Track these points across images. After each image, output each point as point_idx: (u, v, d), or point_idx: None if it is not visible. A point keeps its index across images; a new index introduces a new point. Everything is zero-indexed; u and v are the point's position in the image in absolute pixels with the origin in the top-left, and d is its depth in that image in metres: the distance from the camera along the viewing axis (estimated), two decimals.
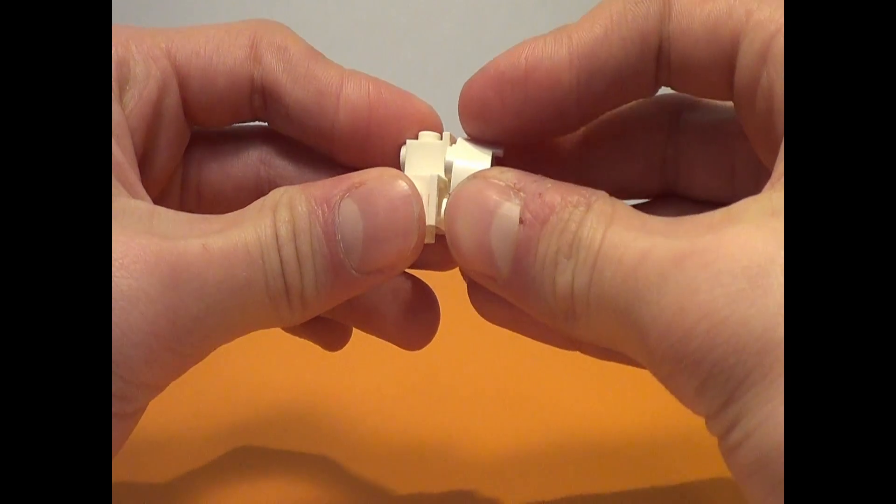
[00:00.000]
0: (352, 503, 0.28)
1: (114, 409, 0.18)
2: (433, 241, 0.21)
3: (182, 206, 0.25)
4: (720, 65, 0.20)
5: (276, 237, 0.19)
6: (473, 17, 0.66)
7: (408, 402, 0.34)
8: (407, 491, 0.29)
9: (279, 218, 0.19)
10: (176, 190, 0.25)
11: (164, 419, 0.31)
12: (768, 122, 0.19)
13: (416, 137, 0.23)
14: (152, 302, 0.18)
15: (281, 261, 0.19)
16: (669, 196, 0.25)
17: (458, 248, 0.20)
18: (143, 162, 0.23)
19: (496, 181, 0.19)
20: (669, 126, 0.24)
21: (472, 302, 0.23)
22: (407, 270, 0.23)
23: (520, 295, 0.19)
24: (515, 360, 0.36)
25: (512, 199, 0.19)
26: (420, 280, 0.25)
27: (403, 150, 0.23)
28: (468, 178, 0.20)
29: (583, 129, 0.24)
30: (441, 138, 0.23)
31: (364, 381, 0.35)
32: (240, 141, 0.25)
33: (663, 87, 0.22)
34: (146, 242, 0.18)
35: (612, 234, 0.17)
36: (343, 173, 0.22)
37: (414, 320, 0.24)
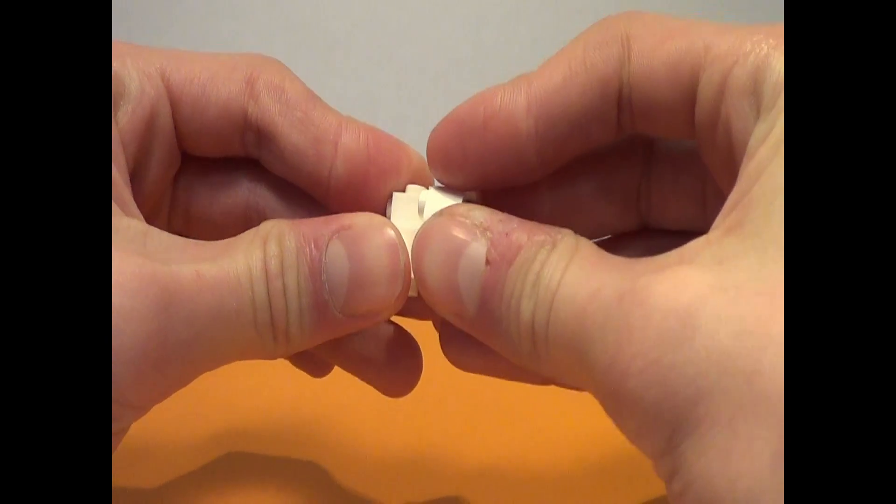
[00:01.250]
0: None
1: None
2: (416, 294, 0.21)
3: (170, 227, 0.25)
4: (682, 103, 0.20)
5: (266, 270, 0.19)
6: (473, 17, 0.66)
7: (402, 411, 0.34)
8: (399, 501, 0.29)
9: (269, 251, 0.20)
10: (164, 210, 0.25)
11: (154, 425, 0.31)
12: (728, 155, 0.19)
13: (404, 189, 0.23)
14: (144, 322, 0.18)
15: (269, 294, 0.19)
16: (644, 230, 0.25)
17: (426, 286, 0.20)
18: (133, 179, 0.23)
19: (463, 219, 0.20)
20: (642, 160, 0.24)
21: (444, 353, 0.23)
22: (391, 319, 0.23)
23: (486, 333, 0.20)
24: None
25: (479, 238, 0.19)
26: (403, 329, 0.25)
27: (389, 204, 0.23)
28: (436, 214, 0.20)
29: (556, 170, 0.23)
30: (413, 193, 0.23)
31: (357, 390, 0.35)
32: (231, 169, 0.25)
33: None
34: (141, 263, 0.18)
35: (570, 274, 0.18)
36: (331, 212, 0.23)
37: (396, 368, 0.25)
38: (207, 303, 0.19)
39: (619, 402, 0.16)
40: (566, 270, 0.18)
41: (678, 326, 0.15)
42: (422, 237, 0.20)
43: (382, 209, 0.23)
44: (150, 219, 0.25)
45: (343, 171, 0.23)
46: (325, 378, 0.34)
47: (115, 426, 0.19)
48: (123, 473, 0.29)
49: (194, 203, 0.25)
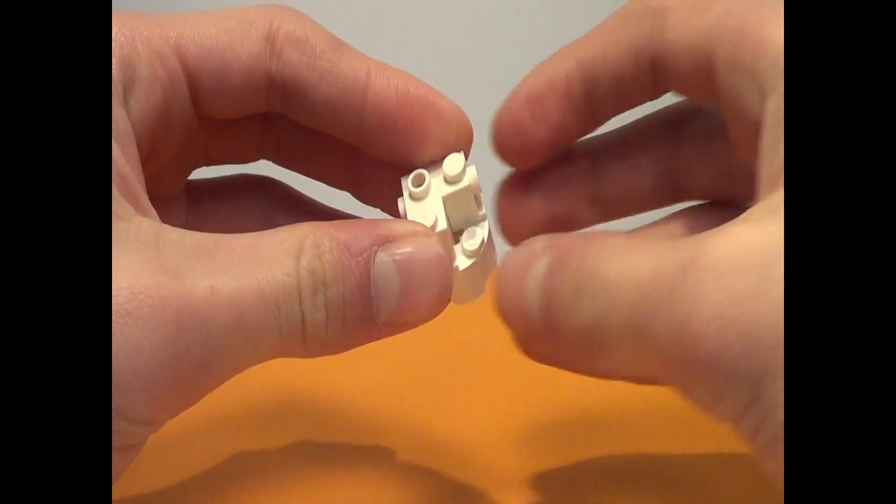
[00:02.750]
0: (351, 499, 0.29)
1: (115, 444, 0.18)
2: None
3: (187, 214, 0.26)
4: (705, 76, 0.21)
5: (299, 286, 0.19)
6: (473, 17, 0.66)
7: (409, 397, 0.34)
8: (408, 486, 0.29)
9: (305, 264, 0.19)
10: (180, 180, 0.25)
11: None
12: (747, 129, 0.20)
13: (409, 174, 0.23)
14: (156, 351, 0.17)
15: (302, 309, 0.19)
16: (681, 208, 0.25)
17: (501, 307, 0.21)
18: (147, 163, 0.22)
19: (530, 241, 0.21)
20: (671, 137, 0.25)
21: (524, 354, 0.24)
22: None
23: (552, 338, 0.20)
24: (515, 355, 0.36)
25: (543, 254, 0.20)
26: None
27: (402, 204, 0.23)
28: (515, 250, 0.21)
29: (592, 146, 0.25)
30: (424, 182, 0.23)
31: (366, 375, 0.35)
32: (240, 191, 0.26)
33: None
34: (152, 284, 0.18)
35: (620, 262, 0.18)
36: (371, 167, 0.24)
37: None
38: (224, 320, 0.18)
39: (694, 369, 0.16)
40: (614, 259, 0.18)
41: (755, 283, 0.15)
42: (505, 267, 0.21)
43: (415, 157, 0.23)
44: (157, 180, 0.24)
45: (374, 119, 0.23)
46: (331, 362, 0.34)
47: (132, 440, 0.19)
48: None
49: (210, 155, 0.25)
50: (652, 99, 0.24)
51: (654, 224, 0.25)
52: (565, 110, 0.23)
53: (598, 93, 0.23)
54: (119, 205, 0.19)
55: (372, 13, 0.66)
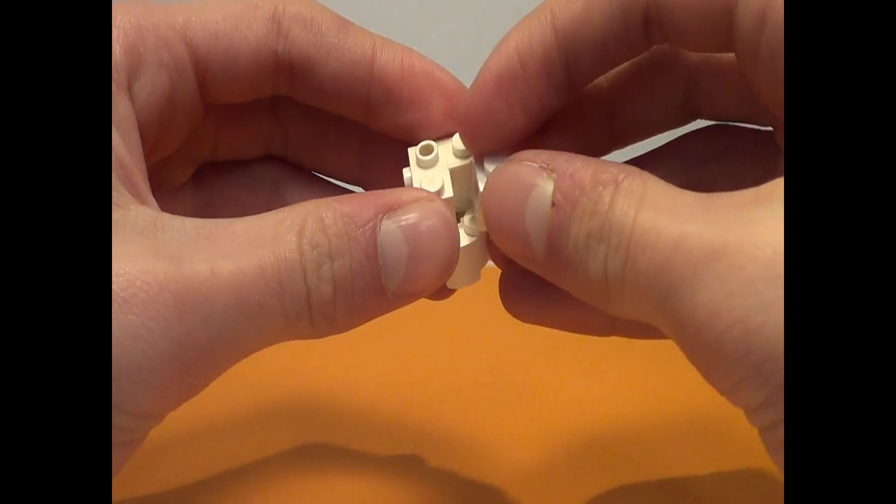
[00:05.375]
0: (360, 499, 0.28)
1: (115, 440, 0.18)
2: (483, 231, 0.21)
3: (194, 195, 0.25)
4: (716, 32, 0.19)
5: (303, 261, 0.18)
6: (473, 17, 0.66)
7: (416, 397, 0.34)
8: (415, 486, 0.29)
9: (309, 239, 0.19)
10: (185, 164, 0.25)
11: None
12: (774, 80, 0.19)
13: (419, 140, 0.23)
14: (156, 339, 0.17)
15: (307, 285, 0.18)
16: (697, 129, 0.25)
17: (496, 232, 0.20)
18: (154, 150, 0.22)
19: (529, 163, 0.19)
20: (689, 63, 0.24)
21: (503, 302, 0.23)
22: None
23: (557, 275, 0.19)
24: (522, 352, 0.36)
25: (545, 180, 0.19)
26: None
27: (407, 173, 0.22)
28: (505, 162, 0.20)
29: (604, 79, 0.24)
30: (433, 151, 0.23)
31: (372, 375, 0.35)
32: (253, 110, 0.25)
33: None
34: (149, 269, 0.17)
35: (643, 219, 0.17)
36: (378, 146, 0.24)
37: None
38: (224, 302, 0.18)
39: (713, 361, 0.16)
40: (637, 214, 0.17)
41: (782, 295, 0.15)
42: (491, 184, 0.20)
43: (420, 130, 0.23)
44: (164, 170, 0.24)
45: (380, 92, 0.23)
46: (338, 360, 0.33)
47: (132, 435, 0.18)
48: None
49: (218, 147, 0.25)
50: (640, 54, 0.22)
51: (668, 147, 0.25)
52: (544, 91, 0.21)
53: (580, 61, 0.21)
54: (117, 192, 0.18)
55: (372, 13, 0.66)
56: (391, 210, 0.19)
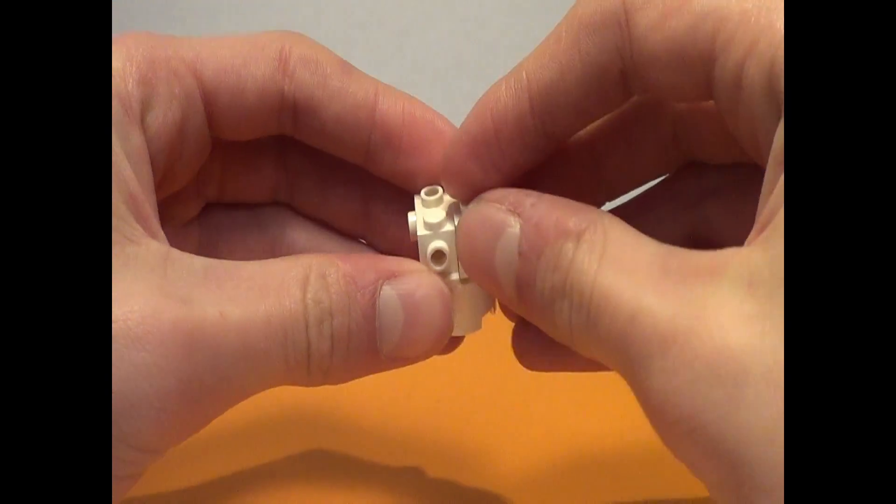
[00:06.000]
0: None
1: (118, 472, 0.18)
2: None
3: (197, 216, 0.26)
4: (695, 85, 0.19)
5: (306, 315, 0.19)
6: (473, 17, 0.66)
7: (419, 407, 0.34)
8: (417, 497, 0.29)
9: (312, 295, 0.19)
10: (192, 198, 0.25)
11: None
12: (752, 137, 0.18)
13: (419, 188, 0.23)
14: (165, 376, 0.17)
15: (309, 337, 0.19)
16: (690, 166, 0.24)
17: (471, 273, 0.21)
18: (164, 182, 0.23)
19: (496, 205, 0.20)
20: (672, 108, 0.23)
21: (518, 358, 0.24)
22: None
23: (530, 318, 0.20)
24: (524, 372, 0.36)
25: (513, 224, 0.19)
26: None
27: (412, 216, 0.22)
28: (474, 202, 0.21)
29: (585, 131, 0.23)
30: (438, 193, 0.22)
31: (377, 390, 0.35)
32: (259, 150, 0.25)
33: None
34: (161, 308, 0.18)
35: (602, 280, 0.17)
36: (376, 186, 0.24)
37: None
38: (233, 345, 0.18)
39: (668, 441, 0.17)
40: (597, 274, 0.17)
41: (725, 397, 0.15)
42: (462, 223, 0.20)
43: (419, 177, 0.23)
44: (172, 205, 0.24)
45: (381, 137, 0.23)
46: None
47: (133, 469, 0.19)
48: None
49: (224, 186, 0.25)
50: (621, 106, 0.22)
51: (662, 186, 0.24)
52: (518, 153, 0.21)
53: (557, 122, 0.20)
54: (128, 226, 0.19)
55: (372, 13, 0.66)
56: (391, 276, 0.20)
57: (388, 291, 0.20)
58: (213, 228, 0.26)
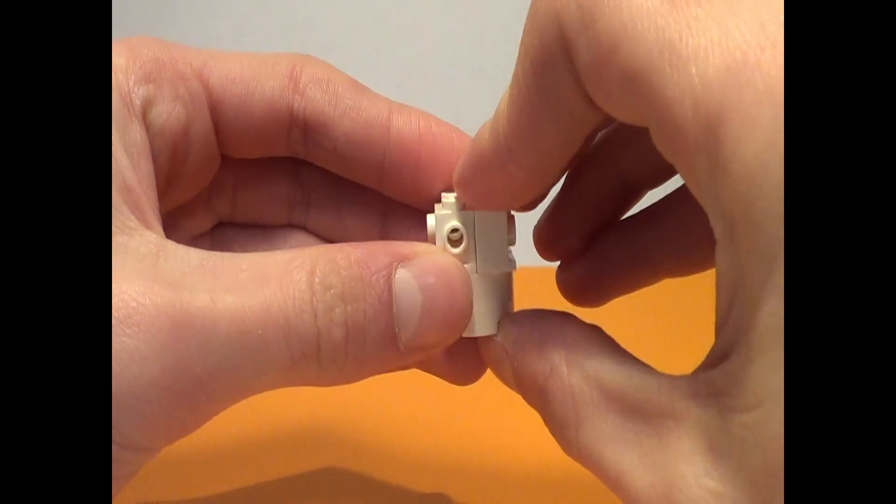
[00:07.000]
0: None
1: None
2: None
3: (209, 232, 0.25)
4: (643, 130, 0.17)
5: (314, 302, 0.18)
6: (473, 17, 0.66)
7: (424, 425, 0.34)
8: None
9: (321, 280, 0.18)
10: (200, 213, 0.25)
11: None
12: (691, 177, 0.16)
13: (439, 199, 0.22)
14: (148, 363, 0.16)
15: (317, 326, 0.18)
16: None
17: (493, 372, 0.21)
18: (169, 184, 0.22)
19: (496, 343, 0.20)
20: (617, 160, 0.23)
21: (562, 293, 0.24)
22: None
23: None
24: None
25: (505, 368, 0.20)
26: None
27: (430, 219, 0.22)
28: (489, 341, 0.21)
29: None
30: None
31: (385, 404, 0.35)
32: (271, 171, 0.25)
33: None
34: (145, 291, 0.17)
35: (583, 434, 0.18)
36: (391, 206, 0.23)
37: (463, 356, 0.23)
38: (224, 332, 0.17)
39: None
40: (579, 430, 0.18)
41: None
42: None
43: (436, 196, 0.22)
44: (182, 217, 0.24)
45: (396, 155, 0.22)
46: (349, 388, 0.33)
47: (121, 469, 0.17)
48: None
49: (236, 203, 0.25)
50: (611, 124, 0.21)
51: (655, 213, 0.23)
52: (517, 194, 0.20)
53: (549, 164, 0.19)
54: (121, 215, 0.18)
55: (372, 13, 0.66)
56: (405, 259, 0.19)
57: (403, 274, 0.19)
58: (225, 245, 0.25)
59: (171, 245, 0.18)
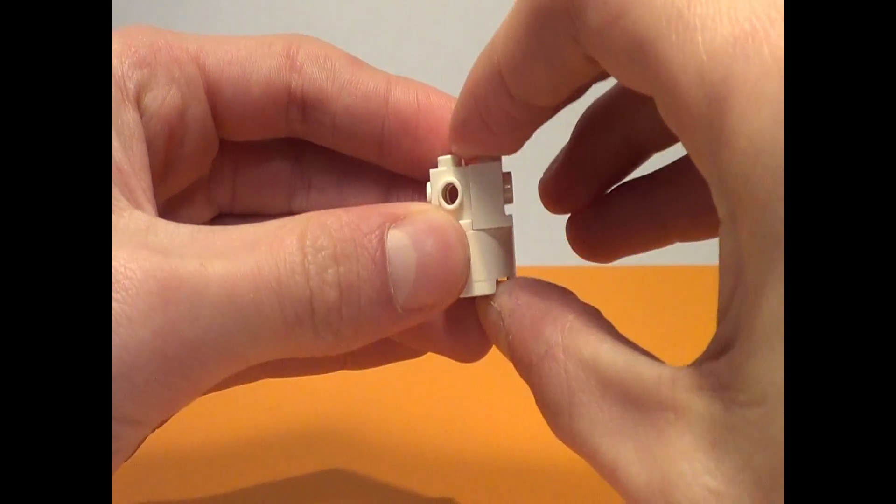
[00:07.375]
0: None
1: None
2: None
3: (208, 216, 0.25)
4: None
5: (305, 262, 0.18)
6: (473, 17, 0.66)
7: (430, 418, 0.34)
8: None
9: (312, 242, 0.18)
10: (199, 198, 0.25)
11: (171, 431, 0.31)
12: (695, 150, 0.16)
13: (436, 164, 0.22)
14: (136, 327, 0.16)
15: (310, 286, 0.17)
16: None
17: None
18: (167, 169, 0.22)
19: (493, 309, 0.20)
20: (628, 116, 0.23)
21: (572, 247, 0.24)
22: None
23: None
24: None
25: (501, 338, 0.20)
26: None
27: (429, 187, 0.22)
28: (488, 306, 0.21)
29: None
30: (459, 162, 0.22)
31: (391, 398, 0.35)
32: (271, 155, 0.25)
33: None
34: (134, 256, 0.16)
35: (577, 422, 0.17)
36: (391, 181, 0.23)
37: (467, 330, 0.23)
38: (215, 296, 0.16)
39: None
40: (573, 417, 0.18)
41: None
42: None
43: (435, 166, 0.22)
44: (182, 207, 0.24)
45: (395, 126, 0.23)
46: (351, 383, 0.33)
47: (114, 445, 0.17)
48: (131, 484, 0.28)
49: (236, 192, 0.25)
50: (603, 78, 0.20)
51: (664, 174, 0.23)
52: (512, 128, 0.20)
53: (538, 99, 0.19)
54: (112, 197, 0.18)
55: (372, 13, 0.66)
56: (398, 219, 0.19)
57: (396, 233, 0.18)
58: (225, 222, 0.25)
59: (162, 221, 0.18)
